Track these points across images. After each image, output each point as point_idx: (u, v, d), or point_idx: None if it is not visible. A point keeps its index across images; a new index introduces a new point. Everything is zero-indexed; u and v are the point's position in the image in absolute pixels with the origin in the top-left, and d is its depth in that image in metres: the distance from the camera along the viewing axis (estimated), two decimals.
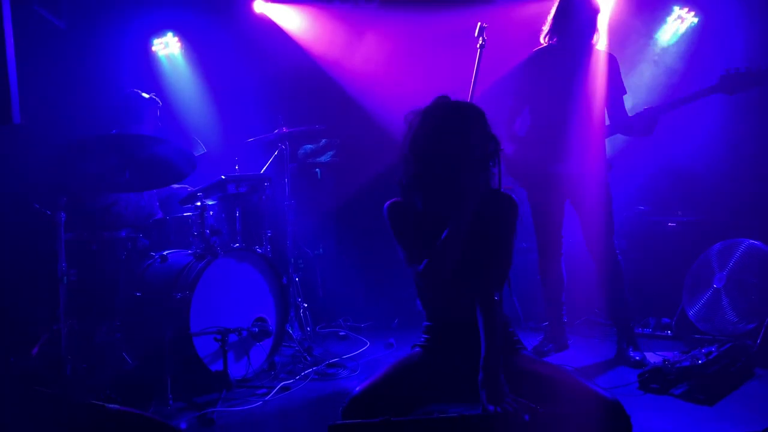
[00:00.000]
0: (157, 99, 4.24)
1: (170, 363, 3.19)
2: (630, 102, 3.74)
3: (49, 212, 3.33)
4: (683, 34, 5.08)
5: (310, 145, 5.50)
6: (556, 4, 3.62)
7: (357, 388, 1.85)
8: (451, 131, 1.94)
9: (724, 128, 4.80)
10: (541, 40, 3.70)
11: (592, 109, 3.55)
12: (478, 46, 3.49)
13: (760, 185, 4.71)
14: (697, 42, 5.02)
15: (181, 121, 5.41)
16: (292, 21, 5.51)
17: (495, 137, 1.99)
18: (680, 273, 4.16)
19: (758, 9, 4.61)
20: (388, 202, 2.09)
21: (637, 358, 3.53)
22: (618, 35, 5.11)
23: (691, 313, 4.02)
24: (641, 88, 4.92)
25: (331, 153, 5.45)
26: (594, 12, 3.54)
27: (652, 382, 3.13)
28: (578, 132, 3.52)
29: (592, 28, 3.56)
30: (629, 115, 3.56)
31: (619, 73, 3.64)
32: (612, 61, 3.63)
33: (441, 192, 1.97)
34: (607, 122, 3.61)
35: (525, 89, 3.72)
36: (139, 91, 4.20)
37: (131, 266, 3.75)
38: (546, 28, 3.67)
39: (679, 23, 5.07)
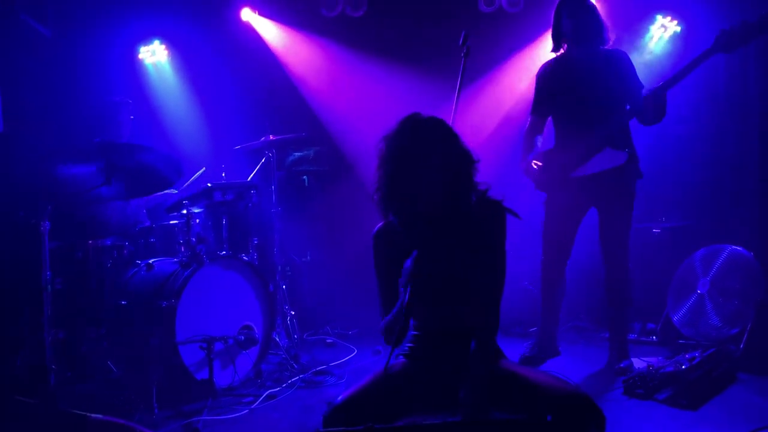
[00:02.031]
0: (127, 101, 4.23)
1: (156, 371, 3.18)
2: None
3: (33, 221, 3.31)
4: (666, 42, 5.15)
5: (297, 153, 5.50)
6: (553, 16, 3.64)
7: (339, 397, 1.86)
8: (412, 146, 1.96)
9: (708, 134, 4.87)
10: (551, 52, 3.72)
11: (610, 107, 3.51)
12: (462, 54, 3.50)
13: (742, 191, 4.76)
14: (680, 49, 5.08)
15: (167, 129, 5.41)
16: (276, 38, 5.54)
17: (468, 152, 2.01)
18: (665, 279, 4.20)
19: (739, 18, 4.66)
20: (375, 229, 2.08)
21: (622, 365, 3.53)
22: None
23: (675, 318, 4.05)
24: None
25: (318, 161, 5.46)
26: (590, 13, 3.53)
27: (637, 388, 3.15)
28: (599, 132, 3.47)
29: (593, 29, 3.53)
30: None
31: (632, 68, 3.57)
32: (623, 58, 3.57)
33: (411, 209, 1.98)
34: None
35: (541, 104, 3.72)
36: (113, 98, 4.19)
37: (117, 274, 3.74)
38: (552, 40, 3.68)
39: (662, 31, 5.14)
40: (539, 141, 3.75)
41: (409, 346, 2.10)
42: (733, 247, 3.93)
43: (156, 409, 3.11)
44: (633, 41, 5.21)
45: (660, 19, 5.12)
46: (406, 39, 5.49)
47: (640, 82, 3.54)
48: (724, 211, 4.79)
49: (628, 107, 3.51)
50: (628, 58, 3.59)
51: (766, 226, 4.50)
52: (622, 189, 3.56)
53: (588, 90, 3.53)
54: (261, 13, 5.43)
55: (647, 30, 5.19)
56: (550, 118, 3.77)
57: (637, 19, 5.19)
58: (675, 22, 5.09)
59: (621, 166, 3.49)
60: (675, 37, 5.13)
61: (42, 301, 3.21)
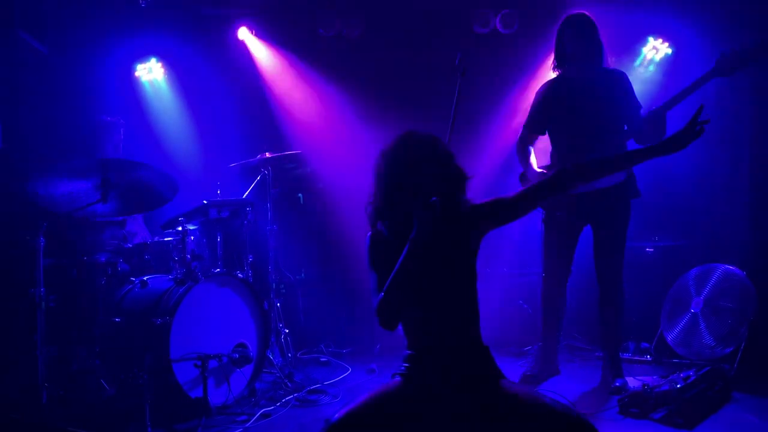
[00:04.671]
0: (119, 121, 4.24)
1: (149, 390, 3.15)
2: None
3: (28, 237, 3.30)
4: (658, 64, 5.23)
5: (294, 170, 5.52)
6: (556, 35, 3.69)
7: (336, 415, 1.85)
8: (407, 162, 2.04)
9: (700, 154, 4.91)
10: (552, 71, 3.76)
11: (608, 127, 3.55)
12: (459, 75, 3.54)
13: (735, 210, 4.80)
14: (672, 71, 5.16)
15: (163, 146, 5.41)
16: (270, 60, 5.59)
17: (461, 169, 2.10)
18: (658, 298, 4.22)
19: (730, 38, 4.74)
20: (369, 232, 2.14)
21: (618, 384, 3.54)
22: None
23: (669, 337, 4.07)
24: None
25: (314, 179, 5.48)
26: (595, 32, 3.57)
27: (632, 407, 3.15)
28: (597, 152, 3.45)
29: (594, 50, 3.57)
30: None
31: (631, 88, 3.62)
32: (623, 78, 3.63)
33: (401, 221, 2.03)
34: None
35: (535, 120, 3.75)
36: (105, 118, 4.21)
37: (111, 291, 3.71)
38: (554, 60, 3.73)
39: (654, 53, 5.22)
40: (531, 151, 3.79)
41: (405, 366, 2.10)
42: (726, 266, 3.95)
43: (149, 428, 3.07)
44: (625, 62, 5.28)
45: (652, 41, 5.20)
46: (401, 59, 5.55)
47: (638, 102, 3.60)
48: (716, 231, 4.82)
49: (626, 127, 3.56)
50: (627, 79, 3.65)
51: (758, 246, 4.53)
52: (619, 207, 3.61)
53: (588, 110, 3.57)
54: (258, 33, 5.46)
55: (639, 52, 5.27)
56: (544, 135, 3.80)
57: (629, 41, 5.27)
58: (666, 44, 5.18)
59: (619, 184, 3.53)
60: (666, 59, 5.21)
61: (36, 319, 3.20)
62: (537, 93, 3.78)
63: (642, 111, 3.52)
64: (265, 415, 3.36)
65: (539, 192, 2.09)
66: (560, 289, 3.78)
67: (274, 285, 4.45)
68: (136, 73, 5.43)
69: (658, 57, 5.22)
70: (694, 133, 2.10)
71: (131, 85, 5.42)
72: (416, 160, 2.04)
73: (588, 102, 3.56)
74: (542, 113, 3.74)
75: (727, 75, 3.22)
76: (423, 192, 1.98)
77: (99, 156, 4.00)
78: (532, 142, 3.80)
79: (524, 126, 3.81)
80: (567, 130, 3.65)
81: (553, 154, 3.75)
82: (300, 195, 5.34)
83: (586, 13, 3.64)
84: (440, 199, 1.95)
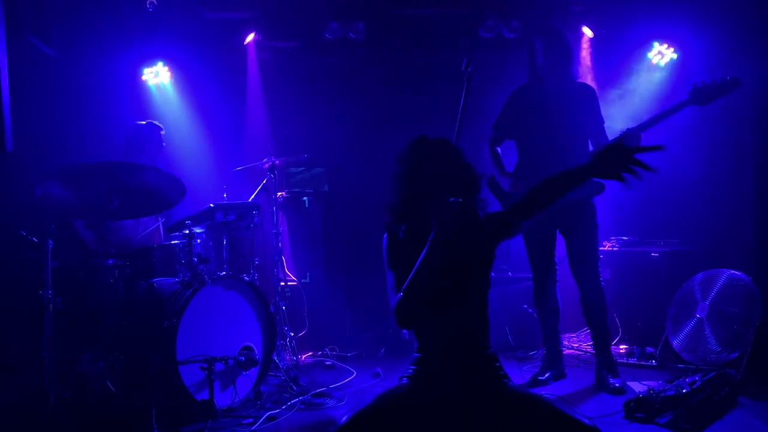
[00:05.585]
0: (157, 124, 4.29)
1: (155, 392, 3.17)
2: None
3: (36, 239, 3.31)
4: (663, 68, 5.24)
5: (299, 174, 5.53)
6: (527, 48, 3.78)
7: (344, 418, 1.86)
8: (422, 167, 2.09)
9: (705, 160, 4.92)
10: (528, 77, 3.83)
11: (574, 139, 3.65)
12: (465, 79, 3.56)
13: (740, 215, 4.80)
14: (677, 75, 5.17)
15: (169, 149, 5.43)
16: (273, 64, 5.63)
17: (473, 168, 2.14)
18: (663, 303, 4.21)
19: (733, 45, 4.75)
20: (386, 233, 2.16)
21: (617, 384, 3.56)
22: (599, 67, 5.28)
23: (674, 342, 4.06)
24: (625, 119, 5.03)
25: (319, 182, 5.49)
26: (566, 45, 3.66)
27: (638, 412, 3.15)
28: (562, 162, 3.57)
29: (565, 63, 3.66)
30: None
31: (597, 104, 3.74)
32: (589, 93, 3.75)
33: (418, 225, 2.05)
34: (591, 149, 3.70)
35: (505, 123, 3.85)
36: (140, 122, 4.25)
37: (117, 294, 3.72)
38: (528, 70, 3.81)
39: (659, 58, 5.23)
40: (500, 154, 3.89)
41: (413, 369, 2.11)
42: (732, 271, 3.95)
43: (155, 430, 3.08)
44: (630, 67, 5.30)
45: (657, 46, 5.22)
46: (407, 64, 5.57)
47: (602, 118, 3.73)
48: (721, 236, 4.82)
49: (591, 148, 3.65)
50: (595, 94, 3.77)
51: (763, 251, 4.53)
52: (585, 213, 3.69)
53: (554, 122, 3.66)
54: (264, 37, 5.48)
55: (645, 57, 5.28)
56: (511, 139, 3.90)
57: (634, 46, 5.28)
58: (671, 49, 5.19)
59: (586, 195, 3.61)
60: (671, 63, 5.22)
61: (43, 320, 3.21)
62: (509, 95, 3.87)
63: (624, 130, 3.57)
64: (270, 418, 3.37)
65: (515, 213, 2.08)
66: (548, 291, 3.86)
67: (279, 288, 4.47)
68: (143, 77, 5.45)
69: (664, 62, 5.23)
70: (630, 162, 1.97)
71: (137, 88, 5.44)
72: (431, 164, 2.09)
73: (555, 114, 3.65)
74: (510, 118, 3.83)
75: (702, 104, 3.35)
76: (440, 194, 2.00)
77: (140, 159, 4.06)
78: (499, 144, 3.89)
79: (492, 127, 3.90)
80: (532, 139, 3.75)
81: (520, 160, 3.86)
82: (305, 198, 5.36)
83: (555, 25, 3.78)
84: (458, 200, 1.97)
